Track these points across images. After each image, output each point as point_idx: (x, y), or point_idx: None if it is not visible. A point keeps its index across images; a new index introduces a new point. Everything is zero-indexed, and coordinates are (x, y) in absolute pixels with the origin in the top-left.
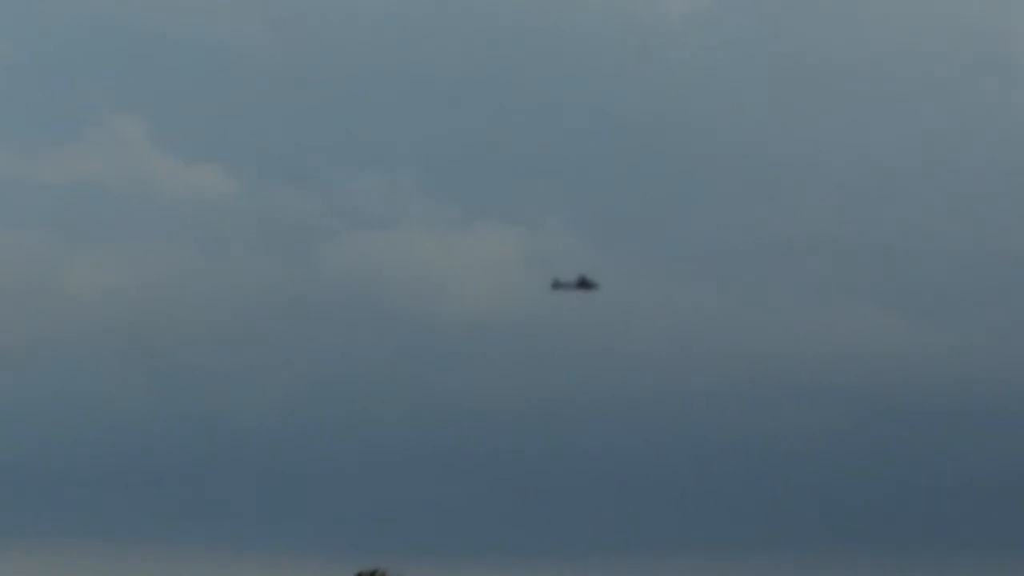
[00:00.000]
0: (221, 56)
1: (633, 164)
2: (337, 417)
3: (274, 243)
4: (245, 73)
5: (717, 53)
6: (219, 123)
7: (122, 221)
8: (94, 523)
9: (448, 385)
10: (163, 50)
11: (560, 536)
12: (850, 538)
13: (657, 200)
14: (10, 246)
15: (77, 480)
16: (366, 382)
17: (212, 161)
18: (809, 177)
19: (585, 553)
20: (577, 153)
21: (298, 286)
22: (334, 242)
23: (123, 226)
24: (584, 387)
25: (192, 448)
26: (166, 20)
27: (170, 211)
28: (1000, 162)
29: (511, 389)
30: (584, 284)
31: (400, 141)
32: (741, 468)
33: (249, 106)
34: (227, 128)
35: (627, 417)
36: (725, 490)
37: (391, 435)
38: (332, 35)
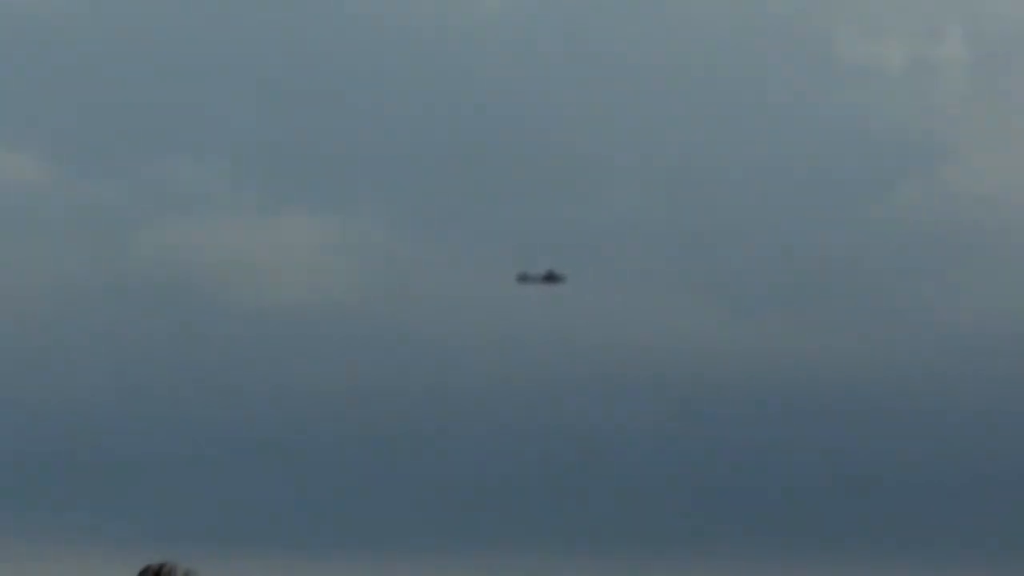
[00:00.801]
0: (27, 39)
1: (445, 157)
2: (144, 407)
3: (82, 231)
4: (52, 57)
5: (529, 51)
6: (25, 110)
7: None
8: None
9: (254, 372)
10: None
11: (361, 528)
12: (642, 534)
13: (467, 193)
14: None
15: None
16: (174, 369)
17: (17, 150)
18: (618, 171)
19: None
20: (389, 144)
21: (107, 274)
22: (145, 229)
23: None
24: (398, 374)
25: None
26: None
27: None
28: (813, 159)
29: (317, 375)
30: (551, 278)
31: (210, 127)
32: (545, 463)
33: (55, 93)
34: (33, 115)
35: (422, 403)
36: (520, 486)
37: (198, 424)
38: (137, 19)
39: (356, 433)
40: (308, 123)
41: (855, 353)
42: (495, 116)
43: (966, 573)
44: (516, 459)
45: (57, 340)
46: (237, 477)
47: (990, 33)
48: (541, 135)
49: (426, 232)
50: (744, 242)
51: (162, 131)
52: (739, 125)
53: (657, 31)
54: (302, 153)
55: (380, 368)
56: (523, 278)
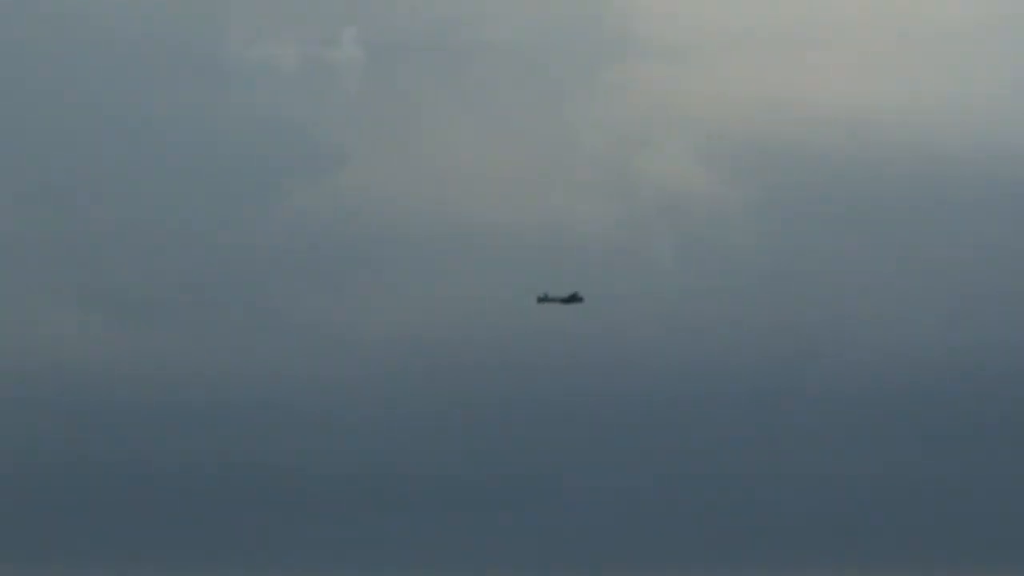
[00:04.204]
0: None
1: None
2: None
3: None
4: None
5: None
6: None
7: None
8: None
9: None
10: None
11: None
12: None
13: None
14: None
15: None
16: None
17: None
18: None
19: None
20: None
21: None
22: None
23: None
24: None
25: None
26: None
27: None
28: (205, 161)
29: None
30: (573, 299)
31: None
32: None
33: None
34: None
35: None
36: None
37: None
38: None
39: None
40: None
41: (238, 357)
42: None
43: None
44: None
45: None
46: None
47: (385, 35)
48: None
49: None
50: (121, 251)
51: None
52: (127, 131)
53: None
54: None
55: None
56: (543, 299)
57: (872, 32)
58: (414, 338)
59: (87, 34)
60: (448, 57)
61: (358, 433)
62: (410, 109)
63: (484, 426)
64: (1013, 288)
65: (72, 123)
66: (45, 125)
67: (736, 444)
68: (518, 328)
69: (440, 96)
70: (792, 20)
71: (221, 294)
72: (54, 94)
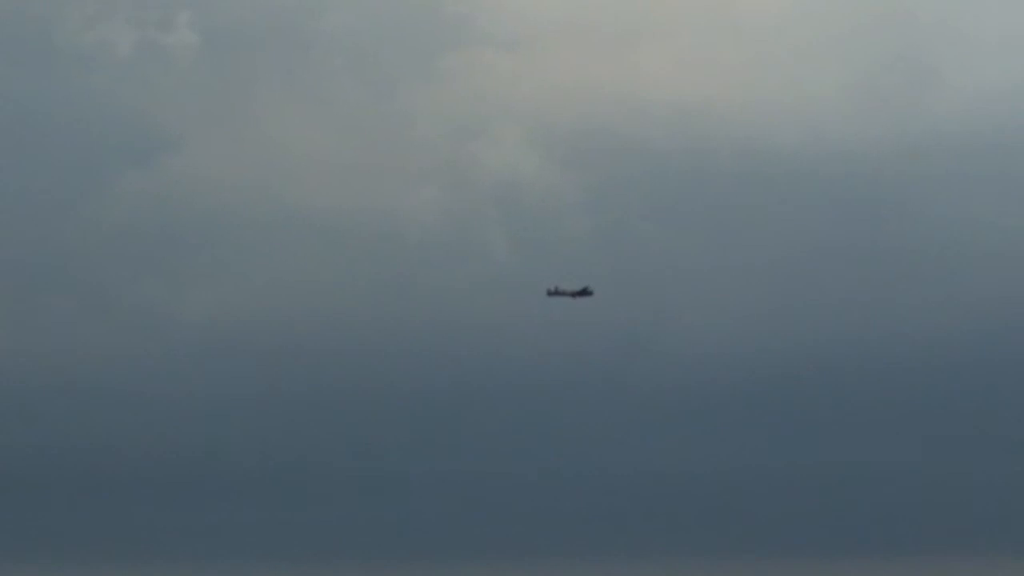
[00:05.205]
0: None
1: None
2: None
3: None
4: None
5: None
6: None
7: None
8: None
9: None
10: None
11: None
12: None
13: None
14: None
15: None
16: None
17: None
18: None
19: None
20: None
21: None
22: None
23: None
24: None
25: None
26: None
27: None
28: (32, 148)
29: None
30: (584, 293)
31: None
32: None
33: None
34: None
35: None
36: None
37: None
38: None
39: None
40: None
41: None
42: None
43: None
44: None
45: None
46: None
47: (220, 21)
48: None
49: None
50: None
51: None
52: None
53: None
54: None
55: None
56: (553, 292)
57: (704, 26)
58: (242, 321)
59: None
60: (284, 43)
61: (181, 415)
62: (244, 95)
63: (303, 410)
64: (837, 285)
65: None
66: None
67: (553, 436)
68: (351, 314)
69: (275, 82)
70: (628, 13)
71: (54, 277)
72: None
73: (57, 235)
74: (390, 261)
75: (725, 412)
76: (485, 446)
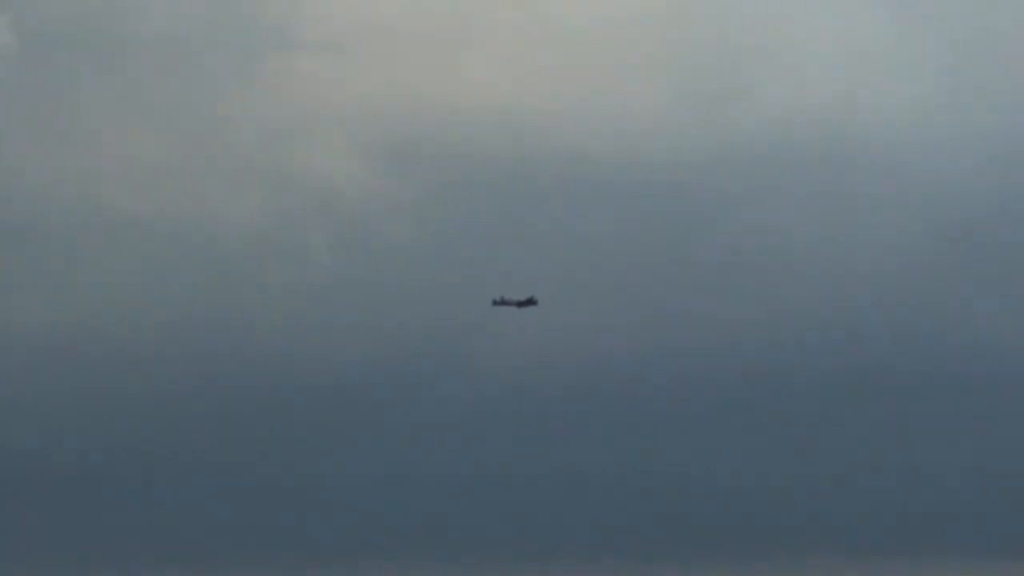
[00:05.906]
0: None
1: None
2: None
3: None
4: None
5: None
6: None
7: None
8: None
9: None
10: None
11: None
12: None
13: None
14: None
15: None
16: None
17: None
18: None
19: None
20: None
21: None
22: None
23: None
24: None
25: None
26: None
27: None
28: None
29: None
30: (529, 302)
31: None
32: None
33: None
34: None
35: None
36: None
37: None
38: None
39: None
40: None
41: None
42: None
43: None
44: None
45: None
46: None
47: (39, 23)
48: None
49: None
50: None
51: None
52: None
53: None
54: None
55: None
56: (498, 302)
57: (527, 35)
58: (52, 326)
59: None
60: (103, 46)
61: (4, 419)
62: (63, 98)
63: (124, 416)
64: (650, 296)
65: None
66: None
67: (388, 437)
68: (167, 315)
69: (93, 86)
70: (453, 19)
71: None
72: None
73: None
74: (210, 264)
75: (562, 413)
76: (317, 446)
